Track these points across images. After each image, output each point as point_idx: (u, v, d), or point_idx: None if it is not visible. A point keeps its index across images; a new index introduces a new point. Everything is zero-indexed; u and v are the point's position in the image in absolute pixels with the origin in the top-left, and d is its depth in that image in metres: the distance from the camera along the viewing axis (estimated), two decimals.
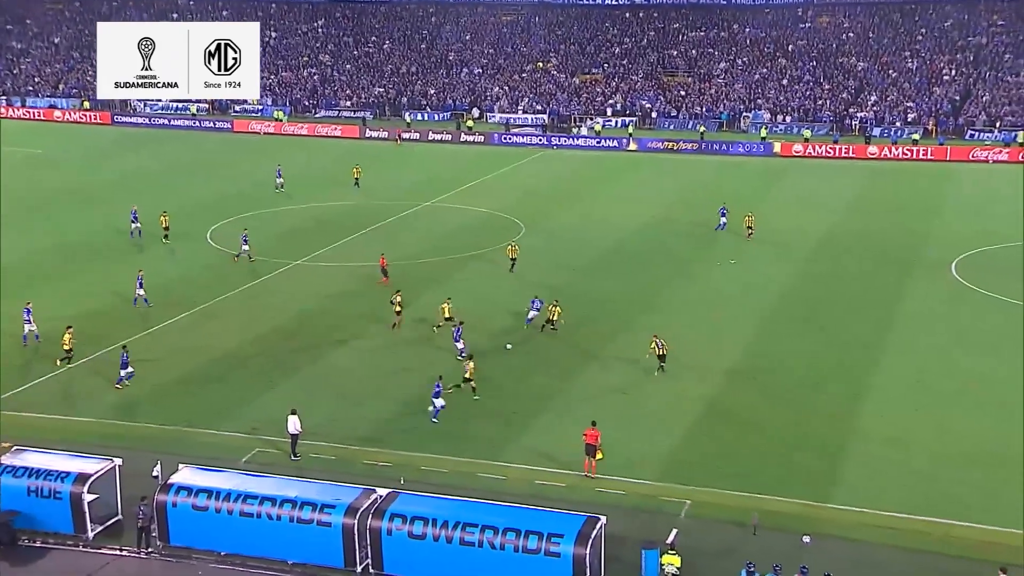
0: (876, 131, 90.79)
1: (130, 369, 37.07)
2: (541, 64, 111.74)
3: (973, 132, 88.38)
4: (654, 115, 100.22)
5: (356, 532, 25.96)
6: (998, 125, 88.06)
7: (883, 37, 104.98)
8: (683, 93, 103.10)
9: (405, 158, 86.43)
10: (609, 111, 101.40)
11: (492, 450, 32.58)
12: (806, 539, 26.77)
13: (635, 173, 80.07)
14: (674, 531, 26.95)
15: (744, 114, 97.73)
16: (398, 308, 42.91)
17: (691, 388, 36.98)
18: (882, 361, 39.03)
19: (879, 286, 48.58)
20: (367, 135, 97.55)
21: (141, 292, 45.47)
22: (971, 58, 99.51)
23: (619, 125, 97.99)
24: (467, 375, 36.24)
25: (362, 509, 26.18)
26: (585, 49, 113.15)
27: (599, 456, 30.50)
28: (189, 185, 73.88)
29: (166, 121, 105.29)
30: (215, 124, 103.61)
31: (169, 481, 27.38)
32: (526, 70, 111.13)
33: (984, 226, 58.74)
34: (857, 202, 67.10)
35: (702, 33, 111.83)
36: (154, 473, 28.05)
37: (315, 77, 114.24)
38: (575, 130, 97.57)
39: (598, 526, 25.13)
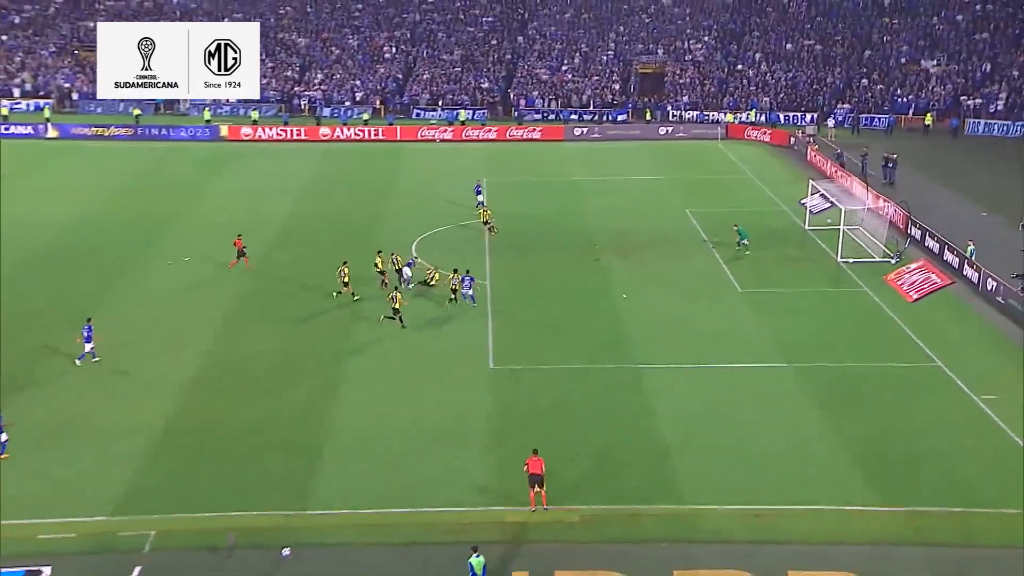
0: (326, 111, 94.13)
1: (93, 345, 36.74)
2: None
3: (419, 111, 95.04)
4: (75, 96, 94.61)
5: None
6: (440, 104, 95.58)
7: (321, 12, 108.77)
8: None
9: None
10: (17, 92, 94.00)
11: None
12: (285, 552, 27.04)
13: (60, 164, 75.25)
14: (137, 569, 25.89)
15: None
16: (397, 305, 42.52)
17: (146, 406, 35.54)
18: (347, 352, 40.43)
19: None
20: None
21: None
22: (408, 36, 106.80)
23: (32, 108, 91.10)
24: (396, 305, 41.94)
25: None
26: None
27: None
28: None
29: None
30: None
31: None
32: None
33: (434, 207, 63.24)
34: (313, 186, 68.96)
35: (122, 2, 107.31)
36: None
37: None
38: None
39: None
